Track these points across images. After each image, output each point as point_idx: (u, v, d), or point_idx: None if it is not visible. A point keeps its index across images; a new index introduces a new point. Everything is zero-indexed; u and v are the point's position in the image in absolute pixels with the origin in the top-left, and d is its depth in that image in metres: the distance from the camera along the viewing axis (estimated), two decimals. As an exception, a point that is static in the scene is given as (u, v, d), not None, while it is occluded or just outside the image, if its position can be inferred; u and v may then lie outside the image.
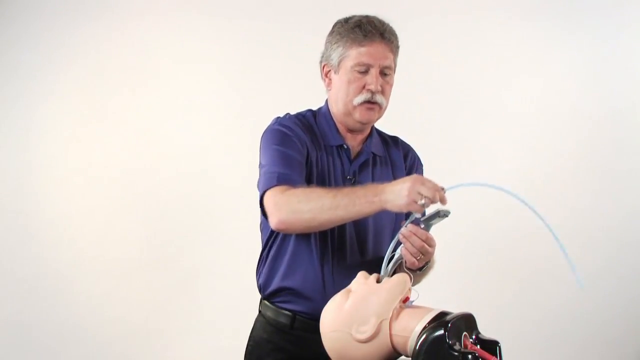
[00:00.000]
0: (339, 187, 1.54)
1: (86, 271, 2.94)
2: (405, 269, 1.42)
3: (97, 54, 3.00)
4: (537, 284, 3.05)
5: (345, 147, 1.65)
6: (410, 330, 1.22)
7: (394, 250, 1.42)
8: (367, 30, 1.56)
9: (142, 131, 3.01)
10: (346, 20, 1.61)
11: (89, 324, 2.93)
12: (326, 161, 1.63)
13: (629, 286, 3.11)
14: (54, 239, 2.95)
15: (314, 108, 1.72)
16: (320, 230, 1.55)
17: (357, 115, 1.60)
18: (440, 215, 1.37)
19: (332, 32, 1.63)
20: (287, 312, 1.61)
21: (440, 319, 1.21)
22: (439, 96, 3.05)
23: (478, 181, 1.34)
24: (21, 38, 2.97)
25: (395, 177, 1.68)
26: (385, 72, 1.59)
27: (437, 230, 1.43)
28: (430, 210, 1.38)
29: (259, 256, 1.69)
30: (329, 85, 1.66)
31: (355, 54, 1.57)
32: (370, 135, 1.70)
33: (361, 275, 1.35)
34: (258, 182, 1.58)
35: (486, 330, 1.28)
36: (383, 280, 1.33)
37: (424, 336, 1.18)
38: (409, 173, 1.71)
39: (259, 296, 1.70)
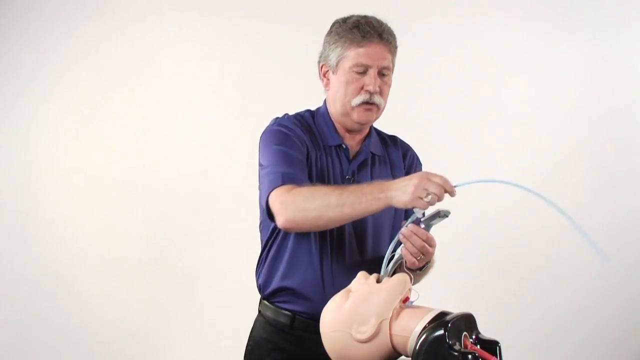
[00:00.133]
0: (345, 185, 1.54)
1: (86, 271, 2.94)
2: (405, 269, 1.42)
3: (97, 54, 3.00)
4: (537, 284, 3.06)
5: (344, 147, 1.66)
6: (410, 330, 1.22)
7: (394, 250, 1.42)
8: (365, 31, 1.56)
9: (142, 131, 3.01)
10: (344, 20, 1.61)
11: (89, 324, 2.93)
12: (325, 161, 1.63)
13: (629, 286, 3.11)
14: (54, 239, 2.95)
15: (313, 108, 1.72)
16: (326, 229, 1.55)
17: (355, 116, 1.60)
18: (440, 215, 1.37)
19: (330, 32, 1.63)
20: (286, 312, 1.61)
21: (440, 319, 1.21)
22: (439, 96, 3.05)
23: (486, 177, 1.32)
24: (21, 38, 2.98)
25: (394, 177, 1.67)
26: (383, 73, 1.59)
27: (437, 230, 1.43)
28: (430, 210, 1.38)
29: (258, 256, 1.69)
30: (327, 85, 1.66)
31: (354, 55, 1.57)
32: (368, 135, 1.70)
33: (361, 275, 1.35)
34: (260, 182, 1.58)
35: (486, 330, 1.28)
36: (383, 280, 1.33)
37: (424, 336, 1.18)
38: (407, 173, 1.71)
39: (258, 296, 1.70)
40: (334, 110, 1.65)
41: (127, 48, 3.02)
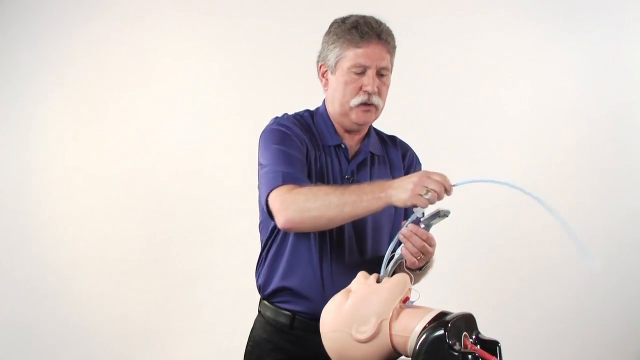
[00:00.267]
0: (345, 185, 1.54)
1: (86, 271, 2.94)
2: (405, 269, 1.42)
3: (97, 54, 3.00)
4: (537, 284, 3.06)
5: (343, 146, 1.66)
6: (410, 330, 1.22)
7: (394, 250, 1.42)
8: (364, 32, 1.56)
9: (142, 131, 3.01)
10: (343, 20, 1.61)
11: (89, 324, 2.93)
12: (324, 161, 1.63)
13: (629, 286, 3.11)
14: (54, 239, 2.95)
15: (312, 108, 1.72)
16: (326, 229, 1.55)
17: (354, 116, 1.60)
18: (440, 215, 1.37)
19: (329, 32, 1.63)
20: (286, 312, 1.61)
21: (440, 319, 1.21)
22: (438, 96, 3.05)
23: (485, 177, 1.32)
24: (21, 38, 2.97)
25: (393, 177, 1.68)
26: (382, 73, 1.59)
27: (436, 230, 1.43)
28: (430, 210, 1.38)
29: (258, 256, 1.69)
30: (325, 85, 1.66)
31: (352, 55, 1.57)
32: (368, 134, 1.70)
33: (361, 275, 1.35)
34: (259, 182, 1.58)
35: (486, 330, 1.28)
36: (383, 280, 1.33)
37: (424, 336, 1.18)
38: (407, 172, 1.71)
39: (258, 296, 1.70)
40: (333, 110, 1.65)
41: (127, 48, 3.01)
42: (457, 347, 1.17)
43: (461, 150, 3.04)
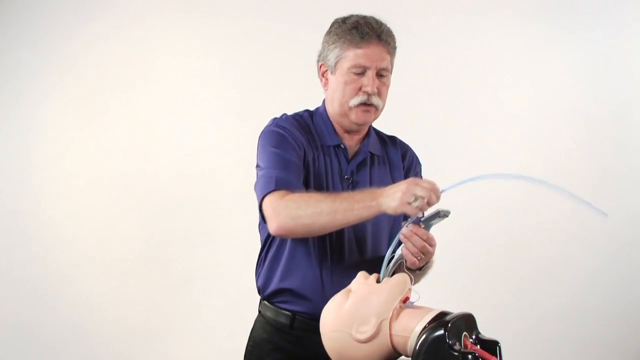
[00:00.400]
0: (337, 192, 1.53)
1: (86, 271, 2.94)
2: (405, 269, 1.42)
3: (97, 54, 3.00)
4: (537, 284, 3.06)
5: (343, 146, 1.65)
6: (410, 330, 1.22)
7: (394, 250, 1.42)
8: (364, 32, 1.56)
9: (142, 131, 3.01)
10: (343, 20, 1.61)
11: (89, 324, 2.93)
12: (323, 161, 1.63)
13: (629, 286, 3.11)
14: (54, 239, 2.95)
15: (312, 108, 1.72)
16: (318, 235, 1.55)
17: (353, 116, 1.61)
18: (440, 215, 1.37)
19: (329, 32, 1.63)
20: (286, 312, 1.61)
21: (440, 319, 1.21)
22: (438, 96, 3.05)
23: (471, 176, 1.32)
24: (21, 38, 2.97)
25: (393, 177, 1.69)
26: (381, 74, 1.59)
27: (437, 230, 1.43)
28: (430, 210, 1.38)
29: (257, 257, 1.69)
30: (325, 85, 1.66)
31: (352, 56, 1.57)
32: (367, 134, 1.69)
33: (361, 275, 1.36)
34: (255, 184, 1.58)
35: (486, 330, 1.28)
36: (383, 280, 1.33)
37: (424, 336, 1.18)
38: (407, 173, 1.72)
39: (258, 296, 1.70)
40: (332, 110, 1.65)
41: (128, 48, 3.01)
42: (457, 347, 1.17)
43: (461, 150, 3.04)
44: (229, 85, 3.03)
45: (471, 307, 1.32)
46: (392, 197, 1.35)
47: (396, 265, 1.43)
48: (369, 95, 1.57)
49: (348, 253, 1.60)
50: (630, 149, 3.15)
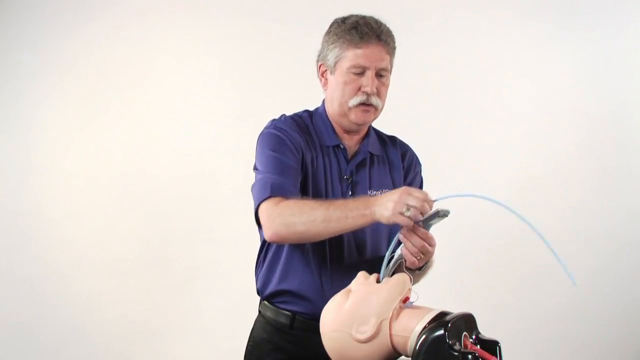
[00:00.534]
0: (332, 200, 1.53)
1: (86, 271, 2.94)
2: (405, 269, 1.42)
3: (97, 54, 3.00)
4: (537, 284, 3.05)
5: (342, 147, 1.65)
6: (410, 330, 1.22)
7: (394, 250, 1.42)
8: (363, 32, 1.56)
9: (142, 131, 3.01)
10: (343, 20, 1.61)
11: (89, 324, 2.93)
12: (322, 161, 1.63)
13: (629, 286, 3.11)
14: (54, 240, 2.95)
15: (312, 108, 1.72)
16: (313, 242, 1.56)
17: (353, 116, 1.60)
18: (440, 215, 1.37)
19: (328, 32, 1.63)
20: (286, 312, 1.61)
21: (440, 319, 1.21)
22: (439, 96, 3.05)
23: (465, 192, 1.33)
24: (21, 38, 2.97)
25: (392, 177, 1.69)
26: (381, 74, 1.59)
27: (436, 230, 1.43)
28: (430, 211, 1.38)
29: (256, 258, 1.69)
30: (325, 85, 1.66)
31: (352, 56, 1.57)
32: (367, 134, 1.69)
33: (361, 275, 1.36)
34: (252, 187, 1.58)
35: (486, 330, 1.28)
36: (383, 280, 1.33)
37: (424, 336, 1.18)
38: (406, 172, 1.72)
39: (258, 296, 1.70)
40: (332, 110, 1.65)
41: (128, 48, 3.01)
42: (457, 347, 1.17)
43: (461, 150, 3.04)
44: (229, 86, 3.03)
45: (471, 307, 1.32)
46: (385, 207, 1.36)
47: (396, 265, 1.43)
48: (368, 95, 1.57)
49: (347, 253, 1.60)
50: (630, 149, 3.15)
